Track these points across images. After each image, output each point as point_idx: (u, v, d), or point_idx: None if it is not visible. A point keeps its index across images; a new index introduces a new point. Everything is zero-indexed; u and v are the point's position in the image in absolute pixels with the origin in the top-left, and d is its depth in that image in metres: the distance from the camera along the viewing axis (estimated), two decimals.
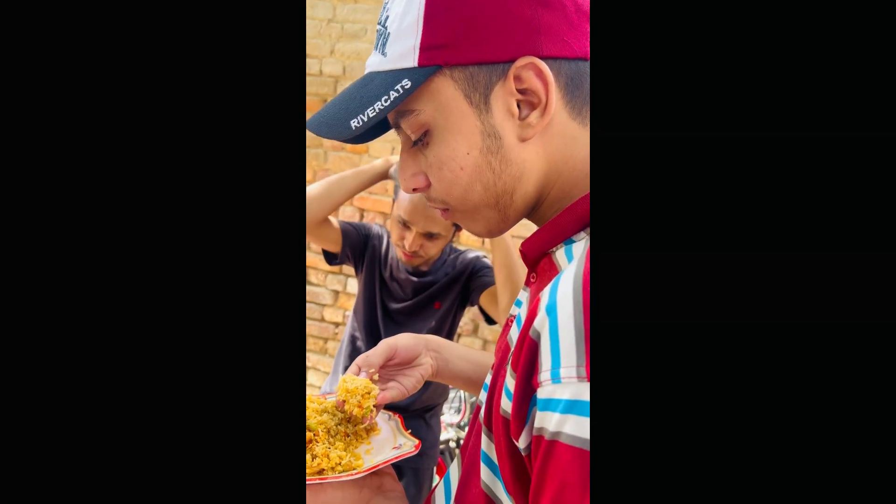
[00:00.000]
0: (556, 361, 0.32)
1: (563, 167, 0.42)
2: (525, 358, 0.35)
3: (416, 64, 0.39)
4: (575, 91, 0.41)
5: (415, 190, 0.44)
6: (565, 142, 0.41)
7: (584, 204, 0.40)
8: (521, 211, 0.44)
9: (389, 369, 0.58)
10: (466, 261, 1.32)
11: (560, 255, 0.41)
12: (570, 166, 0.42)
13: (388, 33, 0.40)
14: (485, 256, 1.34)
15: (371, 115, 0.39)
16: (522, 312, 0.44)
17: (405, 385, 0.58)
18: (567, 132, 0.41)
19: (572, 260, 0.39)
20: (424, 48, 0.39)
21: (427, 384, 1.25)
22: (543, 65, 0.38)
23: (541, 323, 0.34)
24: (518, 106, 0.40)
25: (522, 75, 0.38)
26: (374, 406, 0.53)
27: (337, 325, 2.48)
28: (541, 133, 0.40)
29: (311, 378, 2.54)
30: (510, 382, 0.37)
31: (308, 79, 2.33)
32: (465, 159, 0.40)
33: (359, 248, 1.31)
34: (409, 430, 0.57)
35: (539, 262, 0.44)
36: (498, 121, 0.40)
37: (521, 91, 0.39)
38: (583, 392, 0.31)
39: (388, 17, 0.41)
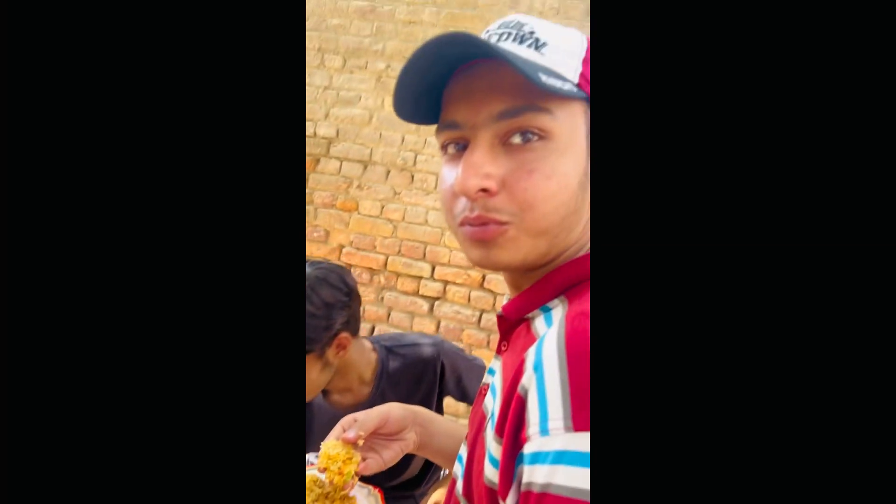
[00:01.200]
0: (545, 415, 0.32)
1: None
2: (512, 416, 0.35)
3: (575, 80, 0.41)
4: None
5: (480, 192, 0.39)
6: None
7: (560, 274, 0.42)
8: (553, 256, 0.43)
9: (373, 438, 0.58)
10: (412, 374, 0.99)
11: (539, 322, 0.42)
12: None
13: (544, 41, 0.41)
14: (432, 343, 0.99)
15: (557, 86, 0.39)
16: (497, 381, 0.44)
17: (384, 457, 0.58)
18: None
19: (552, 325, 0.40)
20: (584, 75, 0.41)
21: (409, 460, 1.17)
22: None
23: (528, 380, 0.34)
24: None
25: None
26: (354, 473, 0.52)
27: None
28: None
29: None
30: (495, 449, 0.36)
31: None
32: (572, 179, 0.40)
33: None
34: None
35: (514, 330, 0.45)
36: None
37: None
38: (572, 443, 0.30)
39: (533, 29, 0.42)
